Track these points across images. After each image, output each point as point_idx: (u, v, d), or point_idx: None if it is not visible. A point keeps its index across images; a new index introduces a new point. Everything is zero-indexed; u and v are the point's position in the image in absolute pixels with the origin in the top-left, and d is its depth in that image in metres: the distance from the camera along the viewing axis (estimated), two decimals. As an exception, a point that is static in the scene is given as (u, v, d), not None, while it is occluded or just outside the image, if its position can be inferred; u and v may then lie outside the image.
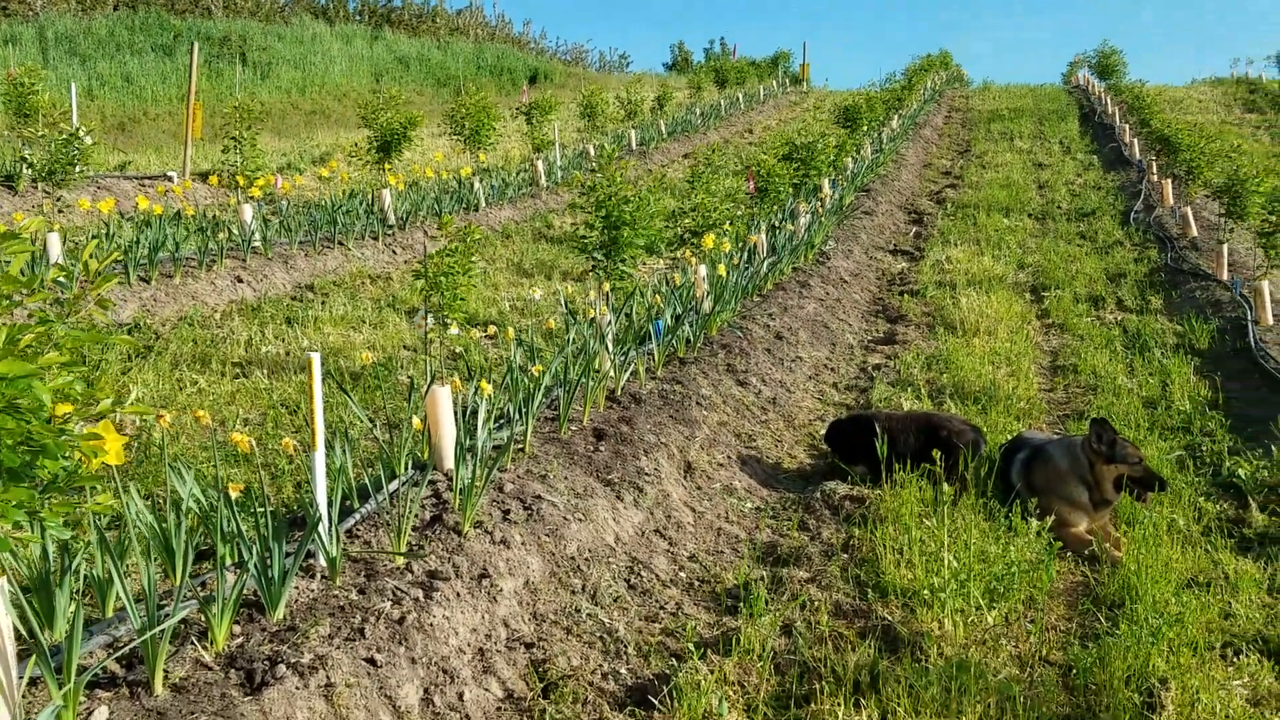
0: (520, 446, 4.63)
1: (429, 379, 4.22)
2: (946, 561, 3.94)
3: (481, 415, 4.16)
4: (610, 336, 5.75)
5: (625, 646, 3.47)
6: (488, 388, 4.30)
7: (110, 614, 2.96)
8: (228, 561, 3.22)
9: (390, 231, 10.51)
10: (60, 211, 9.40)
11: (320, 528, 3.17)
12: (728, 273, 7.70)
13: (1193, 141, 12.54)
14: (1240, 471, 5.41)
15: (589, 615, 3.61)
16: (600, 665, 3.35)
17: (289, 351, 6.78)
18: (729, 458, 5.50)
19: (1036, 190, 15.88)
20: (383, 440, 4.33)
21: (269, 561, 3.05)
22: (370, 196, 11.17)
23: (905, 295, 9.94)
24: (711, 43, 44.39)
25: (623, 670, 3.34)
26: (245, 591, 3.01)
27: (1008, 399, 6.64)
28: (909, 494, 4.75)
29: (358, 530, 3.63)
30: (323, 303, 8.14)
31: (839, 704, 3.15)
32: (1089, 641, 3.68)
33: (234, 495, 2.91)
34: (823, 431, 6.25)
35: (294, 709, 2.60)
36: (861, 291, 10.12)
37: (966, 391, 6.86)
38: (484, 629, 3.28)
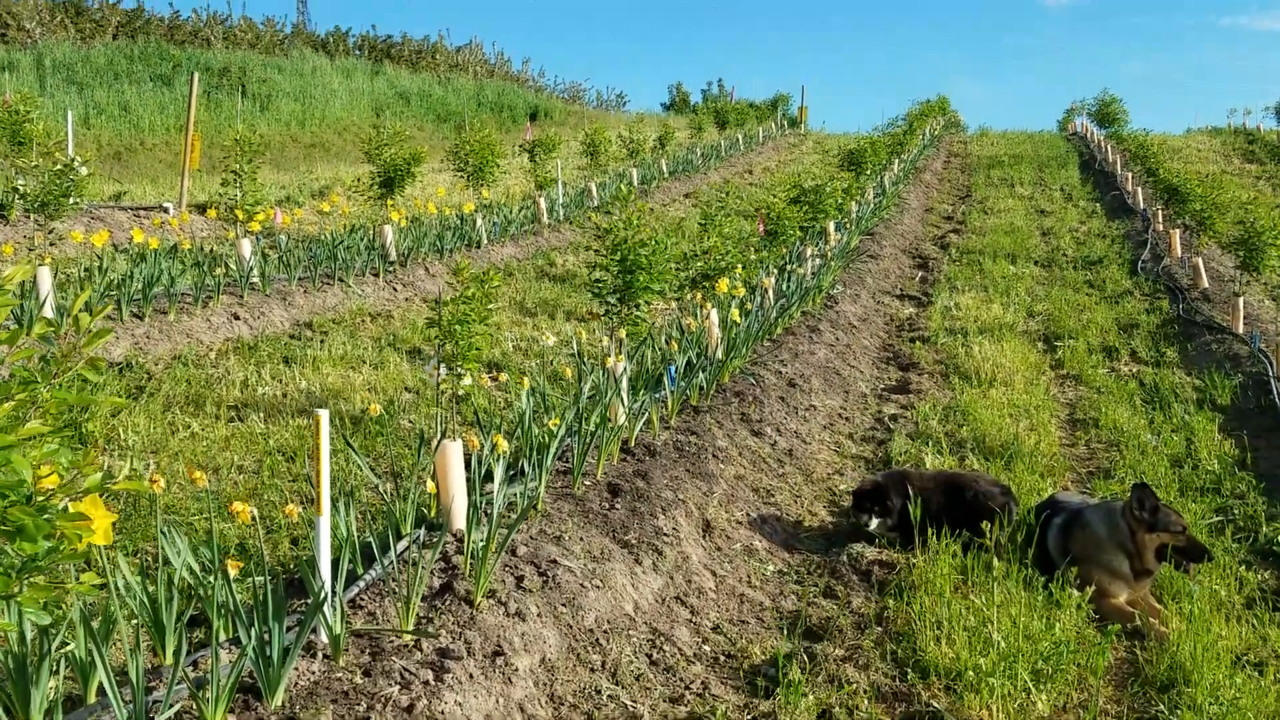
0: (533, 503, 4.37)
1: (439, 432, 3.97)
2: (994, 640, 3.68)
3: (498, 476, 3.90)
4: (625, 385, 5.52)
5: (651, 732, 3.19)
6: (503, 444, 4.05)
7: (93, 699, 2.68)
8: (222, 636, 2.95)
9: (391, 268, 10.29)
10: (52, 244, 9.15)
11: (324, 604, 2.90)
12: (741, 317, 7.49)
13: (1204, 192, 12.43)
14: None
15: (610, 697, 3.33)
16: (625, 754, 3.07)
17: (286, 393, 6.52)
18: (748, 515, 5.24)
19: (1040, 237, 15.78)
20: (387, 495, 4.07)
21: (268, 639, 2.78)
22: (372, 232, 10.96)
23: (916, 342, 9.74)
24: (709, 84, 44.54)
25: (649, 760, 3.07)
26: (241, 673, 2.74)
27: (1031, 454, 6.41)
28: (944, 561, 4.50)
29: (362, 600, 3.36)
30: (322, 341, 7.89)
31: (888, 804, 2.88)
32: (1148, 731, 3.42)
33: (233, 573, 2.64)
34: (843, 486, 6.01)
35: (294, 815, 2.33)
36: (871, 337, 9.92)
37: (988, 445, 6.63)
38: (499, 715, 3.01)
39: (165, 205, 12.17)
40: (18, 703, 2.46)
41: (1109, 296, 11.80)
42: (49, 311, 6.70)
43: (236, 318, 7.99)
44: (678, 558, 4.42)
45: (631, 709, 3.30)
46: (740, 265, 8.11)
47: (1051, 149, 27.22)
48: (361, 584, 3.44)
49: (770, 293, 8.98)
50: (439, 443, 3.82)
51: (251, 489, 4.87)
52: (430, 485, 3.83)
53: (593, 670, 3.47)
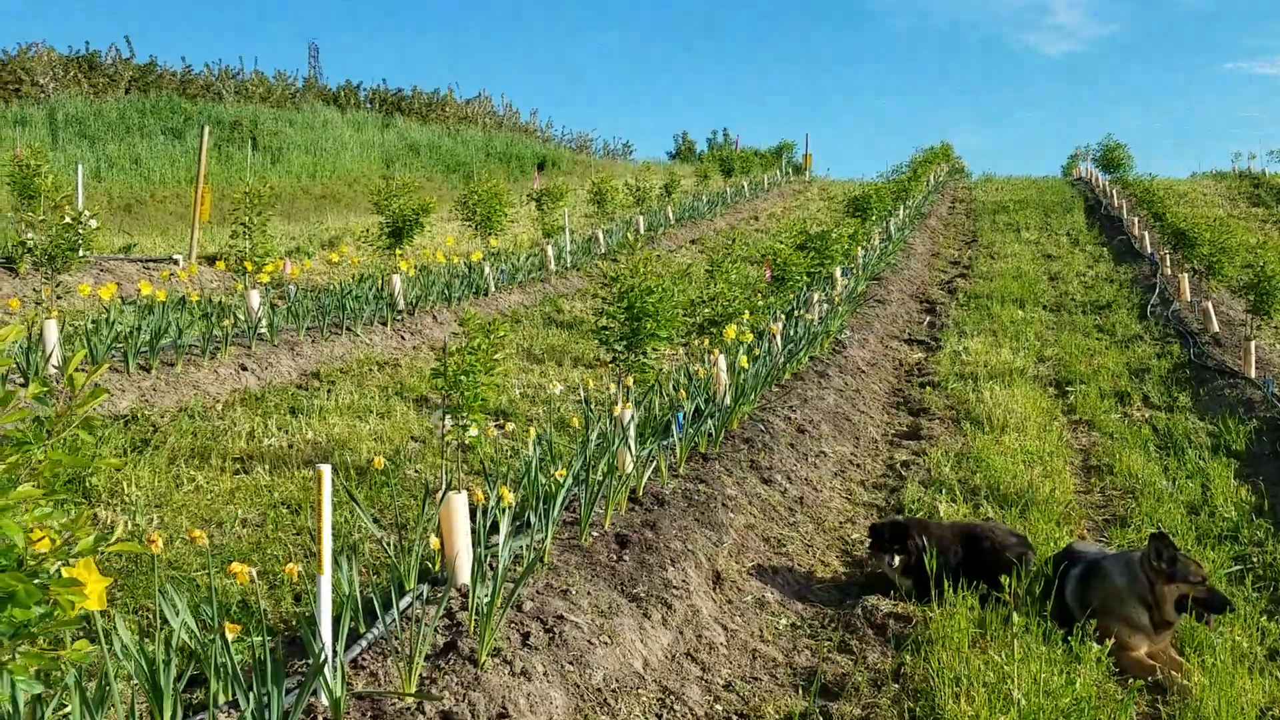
0: (539, 556, 4.30)
1: (444, 485, 3.91)
2: (1014, 698, 3.57)
3: (504, 528, 3.84)
4: (633, 433, 5.46)
5: (661, 796, 3.09)
6: (509, 495, 3.99)
7: (85, 767, 2.60)
8: (221, 698, 2.88)
9: (399, 317, 10.30)
10: (60, 297, 9.18)
11: (324, 667, 2.83)
12: (749, 363, 7.44)
13: (1212, 236, 12.41)
14: (1303, 588, 5.07)
15: (620, 758, 3.24)
16: (635, 820, 2.97)
17: (292, 444, 6.47)
18: (759, 566, 5.15)
19: (1048, 281, 15.76)
20: (390, 548, 4.01)
21: (267, 702, 2.71)
22: (380, 281, 11.00)
23: (926, 387, 9.68)
24: (714, 133, 44.91)
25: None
26: (239, 738, 2.66)
27: (1046, 502, 6.31)
28: (961, 614, 4.40)
29: (364, 660, 3.28)
30: (329, 391, 7.86)
31: None
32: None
33: (231, 636, 2.58)
34: (855, 535, 5.92)
35: None
36: (880, 382, 9.86)
37: (1002, 493, 6.54)
38: (505, 779, 2.92)
39: (175, 257, 12.24)
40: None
41: (1119, 341, 11.74)
42: (54, 365, 6.69)
43: (244, 368, 7.97)
44: (688, 611, 4.33)
45: (641, 772, 3.21)
46: (748, 311, 8.09)
47: (1056, 194, 27.30)
48: (363, 643, 3.36)
49: (778, 338, 8.95)
50: (443, 495, 3.77)
51: (255, 543, 4.80)
52: (434, 541, 3.77)
53: (601, 731, 3.37)
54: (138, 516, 4.95)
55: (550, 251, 14.30)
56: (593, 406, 6.59)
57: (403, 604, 3.60)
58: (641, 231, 18.60)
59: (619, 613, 4.05)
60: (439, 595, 3.68)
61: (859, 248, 13.99)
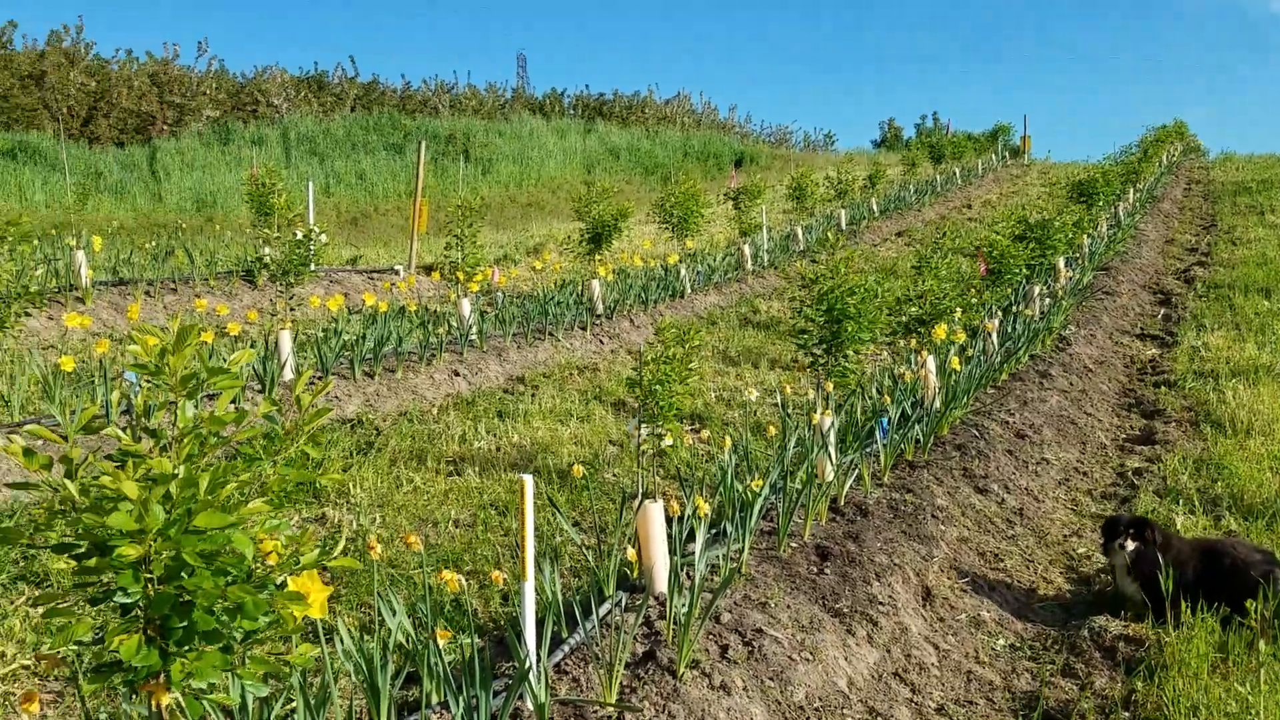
0: (736, 565, 4.24)
1: (639, 492, 3.92)
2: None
3: (700, 537, 3.81)
4: (833, 440, 5.30)
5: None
6: (705, 506, 3.95)
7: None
8: (433, 700, 3.00)
9: (598, 321, 10.52)
10: (293, 309, 9.95)
11: (529, 674, 2.89)
12: (961, 364, 7.08)
13: None
14: None
15: (823, 781, 3.13)
16: None
17: (499, 446, 6.72)
18: (973, 582, 4.87)
19: (1302, 267, 14.16)
20: (590, 553, 4.06)
21: (475, 705, 2.79)
22: (580, 287, 11.27)
23: (1160, 386, 8.90)
24: (923, 118, 43.10)
25: None
26: (448, 741, 2.76)
27: (1302, 517, 5.64)
28: (1200, 638, 3.99)
29: (566, 665, 3.33)
30: (532, 395, 8.12)
31: None
32: None
33: (442, 642, 2.68)
34: (1081, 550, 5.51)
35: None
36: (1109, 382, 9.15)
37: (1247, 504, 5.90)
38: (705, 797, 2.88)
39: (396, 268, 13.03)
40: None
41: (1393, 332, 10.37)
42: (289, 373, 7.24)
43: (456, 374, 8.37)
44: (895, 628, 4.15)
45: (846, 797, 3.08)
46: (960, 308, 7.71)
47: (1312, 168, 24.54)
48: (566, 648, 3.41)
49: (994, 336, 8.48)
50: (640, 504, 3.77)
51: (466, 542, 5.01)
52: (630, 551, 3.78)
53: (803, 751, 3.27)
54: (362, 517, 5.27)
55: (746, 250, 14.20)
56: (790, 411, 6.46)
57: (602, 610, 3.64)
58: (843, 226, 18.16)
59: (821, 628, 3.92)
60: (637, 603, 3.69)
61: (1084, 236, 13.07)
